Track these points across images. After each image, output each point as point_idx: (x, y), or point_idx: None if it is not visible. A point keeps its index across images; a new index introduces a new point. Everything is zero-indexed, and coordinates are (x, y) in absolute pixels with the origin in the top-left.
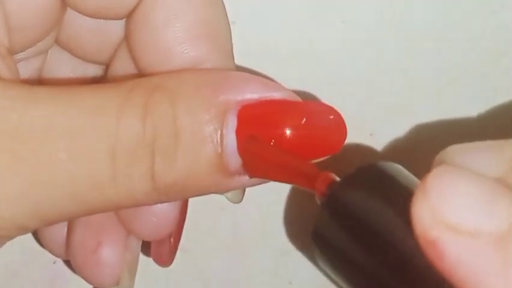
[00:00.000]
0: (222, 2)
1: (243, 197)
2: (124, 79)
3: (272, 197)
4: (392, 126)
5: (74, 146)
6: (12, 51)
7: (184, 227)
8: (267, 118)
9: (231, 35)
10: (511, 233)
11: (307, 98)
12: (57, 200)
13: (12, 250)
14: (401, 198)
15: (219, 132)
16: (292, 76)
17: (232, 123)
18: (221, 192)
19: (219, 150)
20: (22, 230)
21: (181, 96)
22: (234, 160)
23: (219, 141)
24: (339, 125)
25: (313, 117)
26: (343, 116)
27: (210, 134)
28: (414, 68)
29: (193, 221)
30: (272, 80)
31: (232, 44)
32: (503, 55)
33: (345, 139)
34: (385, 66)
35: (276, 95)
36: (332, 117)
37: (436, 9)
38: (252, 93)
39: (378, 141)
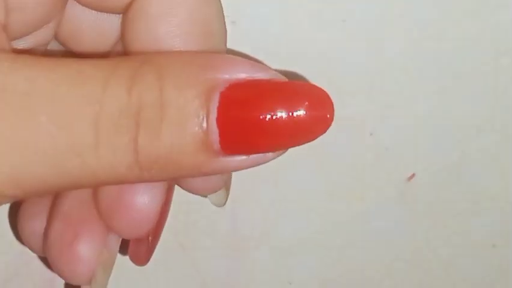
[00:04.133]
0: (220, 2)
1: (226, 200)
2: None
3: (273, 195)
4: (392, 126)
5: (56, 111)
6: (10, 35)
7: (184, 225)
8: (255, 97)
9: (225, 34)
10: None
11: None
12: (36, 166)
13: (12, 250)
14: None
15: (205, 109)
16: (292, 76)
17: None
18: (206, 179)
19: (205, 127)
20: (0, 198)
21: (169, 71)
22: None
23: (204, 117)
24: (326, 103)
25: (301, 97)
26: (335, 104)
27: (196, 110)
28: (414, 68)
29: (193, 220)
30: (262, 63)
31: (226, 43)
32: (503, 55)
33: (333, 117)
34: (385, 66)
35: (264, 75)
36: (318, 94)
37: (436, 9)
38: (240, 73)
39: (378, 141)
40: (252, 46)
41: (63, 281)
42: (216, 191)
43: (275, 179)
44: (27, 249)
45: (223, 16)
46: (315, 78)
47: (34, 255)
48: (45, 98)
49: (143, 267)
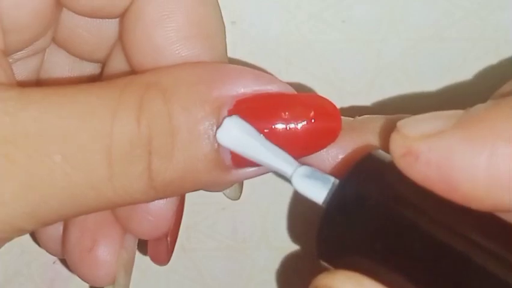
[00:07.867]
0: (217, 2)
1: (241, 193)
2: (118, 77)
3: (272, 197)
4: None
5: (68, 148)
6: (7, 52)
7: (185, 227)
8: (263, 112)
9: (224, 36)
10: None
11: (303, 90)
12: (54, 202)
13: (12, 250)
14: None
15: (215, 128)
16: (292, 76)
17: None
18: (219, 187)
19: (215, 146)
20: (19, 232)
21: (175, 94)
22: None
23: (215, 137)
24: (334, 115)
25: (308, 109)
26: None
27: (206, 131)
28: (414, 68)
29: (194, 221)
30: (267, 72)
31: (225, 45)
32: (503, 55)
33: (340, 127)
34: (385, 67)
35: (271, 88)
36: (326, 107)
37: (436, 9)
38: (246, 87)
39: None
40: (252, 46)
41: (63, 282)
42: (230, 187)
43: (275, 180)
44: (27, 250)
45: (221, 14)
46: (315, 78)
47: (34, 255)
48: (56, 137)
49: (143, 268)
